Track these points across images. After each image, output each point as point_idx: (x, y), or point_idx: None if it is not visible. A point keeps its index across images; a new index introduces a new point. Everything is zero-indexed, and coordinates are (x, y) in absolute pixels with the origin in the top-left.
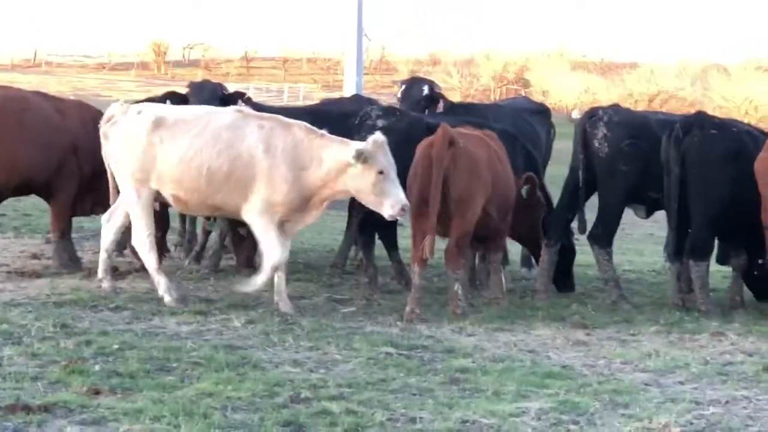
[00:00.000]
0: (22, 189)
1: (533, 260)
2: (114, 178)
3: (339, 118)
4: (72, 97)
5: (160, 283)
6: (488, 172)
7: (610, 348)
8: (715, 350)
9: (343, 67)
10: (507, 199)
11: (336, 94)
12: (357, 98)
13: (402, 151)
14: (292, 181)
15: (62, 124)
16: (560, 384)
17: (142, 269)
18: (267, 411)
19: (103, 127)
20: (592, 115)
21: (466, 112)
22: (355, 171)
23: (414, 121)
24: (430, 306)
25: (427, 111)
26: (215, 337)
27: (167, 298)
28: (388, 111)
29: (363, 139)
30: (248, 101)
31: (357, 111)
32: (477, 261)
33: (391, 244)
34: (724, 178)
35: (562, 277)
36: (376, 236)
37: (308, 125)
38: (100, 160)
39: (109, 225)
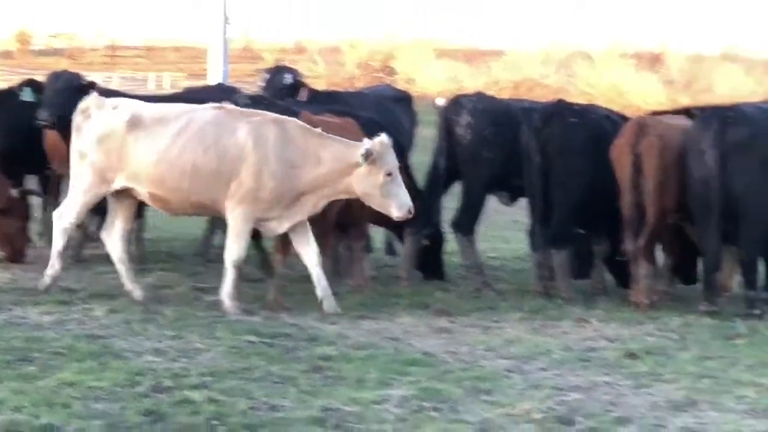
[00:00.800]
0: None
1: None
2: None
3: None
4: None
5: (54, 266)
6: None
7: (473, 335)
8: (578, 337)
9: (207, 56)
10: None
11: (201, 83)
12: (220, 87)
13: None
14: (281, 177)
15: None
16: (423, 371)
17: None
18: (128, 400)
19: (77, 119)
20: (456, 102)
21: (330, 100)
22: (362, 172)
23: (281, 111)
24: (293, 294)
25: (290, 99)
26: (77, 326)
27: (128, 287)
28: (256, 100)
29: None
30: (93, 86)
31: (220, 100)
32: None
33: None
34: (585, 166)
35: (430, 265)
36: None
37: (303, 123)
38: None
39: (112, 239)
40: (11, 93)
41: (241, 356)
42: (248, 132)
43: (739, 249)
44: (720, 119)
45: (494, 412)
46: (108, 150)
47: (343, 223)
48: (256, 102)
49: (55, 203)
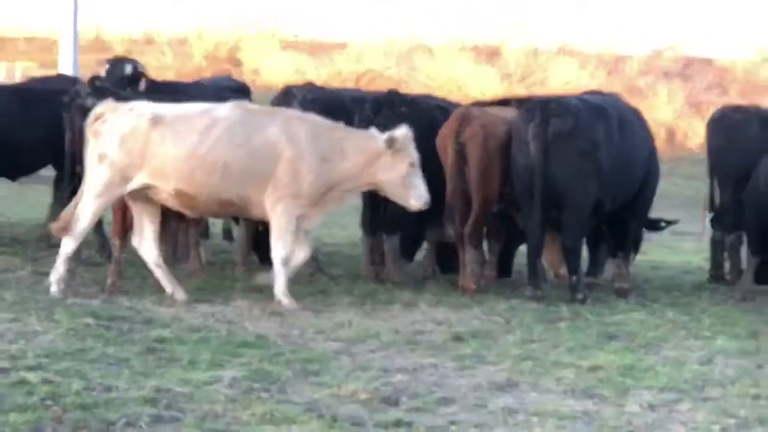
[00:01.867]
0: None
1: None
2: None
3: (47, 95)
4: None
5: (58, 269)
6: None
7: (305, 318)
8: (407, 320)
9: (59, 47)
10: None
11: (53, 73)
12: (62, 77)
13: None
14: (317, 171)
15: None
16: (254, 353)
17: None
18: None
19: (93, 126)
20: (287, 93)
21: (169, 91)
22: (386, 162)
23: (121, 100)
24: (132, 278)
25: (130, 89)
26: None
27: (54, 288)
28: (98, 90)
29: (71, 116)
30: None
31: (64, 90)
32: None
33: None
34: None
35: (267, 249)
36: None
37: (323, 118)
38: None
39: (145, 245)
40: None
41: (78, 338)
42: (280, 129)
43: (562, 236)
44: (543, 110)
45: (321, 393)
46: (130, 149)
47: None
48: (97, 92)
49: None
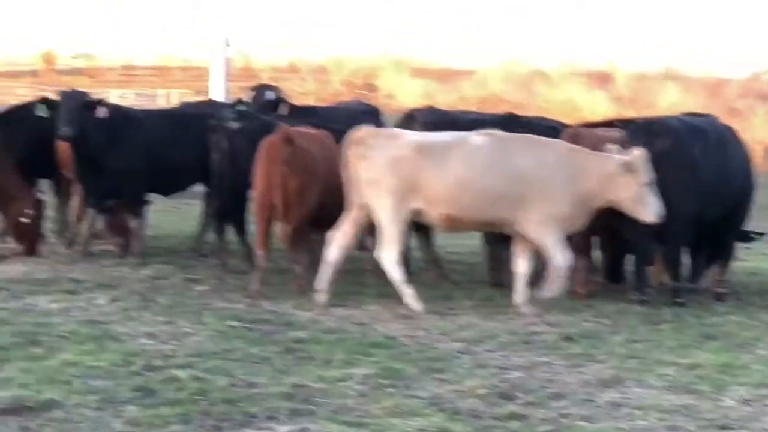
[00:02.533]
0: None
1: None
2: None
3: (196, 119)
4: None
5: (406, 293)
6: (323, 166)
7: (430, 320)
8: (522, 322)
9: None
10: (340, 190)
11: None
12: (212, 102)
13: (254, 150)
14: (566, 193)
15: None
16: (383, 352)
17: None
18: (122, 378)
19: (355, 150)
20: (410, 116)
21: (307, 114)
22: (622, 182)
23: (263, 123)
24: (274, 284)
25: (273, 114)
26: (81, 313)
27: (413, 306)
28: (241, 115)
29: (218, 138)
30: (100, 102)
31: (212, 113)
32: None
33: (240, 231)
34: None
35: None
36: (227, 224)
37: (565, 143)
38: None
39: (335, 245)
40: (28, 108)
41: (224, 339)
42: (531, 156)
43: (665, 246)
44: (646, 130)
45: (444, 388)
46: (402, 176)
47: (318, 221)
48: (240, 117)
49: (66, 203)
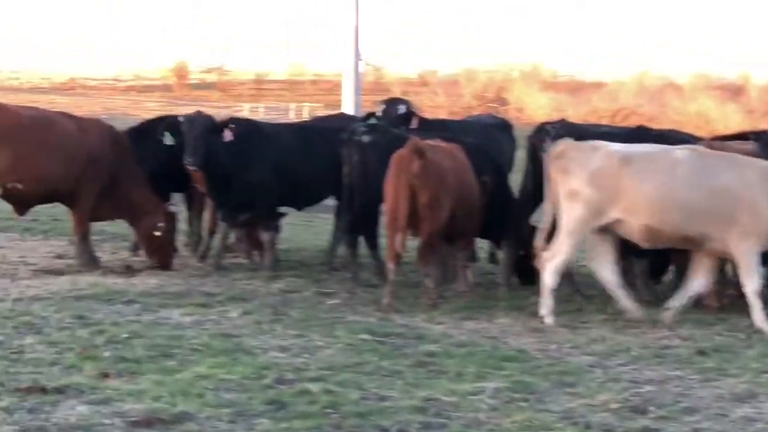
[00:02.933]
0: (48, 197)
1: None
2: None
3: (328, 133)
4: (104, 116)
5: (546, 304)
6: (454, 179)
7: (562, 334)
8: (654, 336)
9: (342, 88)
10: (472, 203)
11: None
12: (342, 116)
13: (385, 163)
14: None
15: (82, 139)
16: (515, 366)
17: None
18: (255, 391)
19: (559, 162)
20: (540, 129)
21: (438, 128)
22: None
23: (395, 137)
24: (405, 298)
25: (403, 127)
26: (213, 326)
27: (546, 318)
28: (373, 128)
29: (349, 151)
30: (226, 124)
31: (343, 127)
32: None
33: (372, 245)
34: None
35: (526, 272)
36: (359, 238)
37: (765, 161)
38: (116, 170)
39: (604, 270)
40: (160, 123)
41: (356, 352)
42: (735, 174)
43: None
44: None
45: (576, 402)
46: (603, 186)
47: (450, 236)
48: (372, 130)
49: (198, 216)
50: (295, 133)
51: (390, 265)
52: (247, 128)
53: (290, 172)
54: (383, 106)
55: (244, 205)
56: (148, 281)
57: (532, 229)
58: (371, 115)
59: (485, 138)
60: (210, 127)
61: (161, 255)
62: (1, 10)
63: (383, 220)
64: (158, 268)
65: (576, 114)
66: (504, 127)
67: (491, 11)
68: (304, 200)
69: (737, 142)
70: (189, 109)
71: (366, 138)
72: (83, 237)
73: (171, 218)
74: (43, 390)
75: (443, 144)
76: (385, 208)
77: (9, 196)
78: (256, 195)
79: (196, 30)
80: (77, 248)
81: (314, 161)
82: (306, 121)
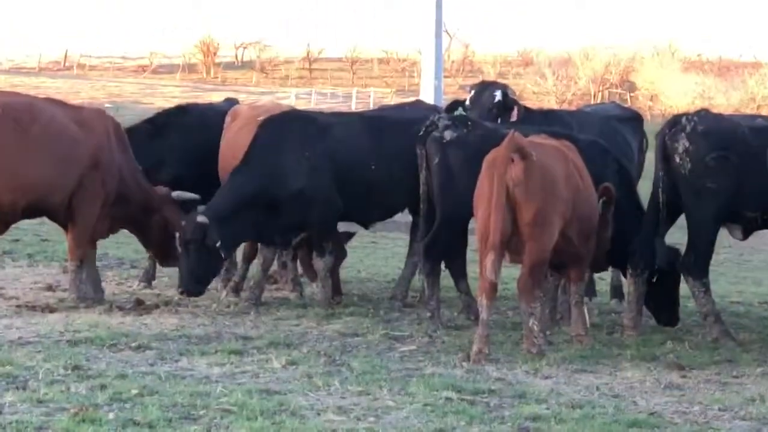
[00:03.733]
0: (34, 211)
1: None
2: None
3: (400, 126)
4: (108, 105)
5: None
6: (567, 188)
7: (707, 392)
8: None
9: (419, 69)
10: (589, 220)
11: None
12: (418, 104)
13: (475, 166)
14: None
15: (81, 136)
16: None
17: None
18: None
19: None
20: (673, 124)
21: (545, 121)
22: None
23: (488, 133)
24: (502, 344)
25: (499, 120)
26: (250, 380)
27: None
28: (458, 121)
29: (427, 151)
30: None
31: (421, 119)
32: (558, 292)
33: (459, 273)
34: None
35: (663, 308)
36: (442, 264)
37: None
38: (123, 176)
39: None
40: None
41: (437, 415)
42: None
43: None
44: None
45: None
46: None
47: (561, 263)
48: (456, 124)
49: None
50: (359, 126)
51: (483, 301)
52: (297, 120)
53: (354, 176)
54: (473, 93)
55: (293, 221)
56: (165, 321)
57: (675, 254)
58: (457, 103)
59: (606, 134)
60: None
61: (168, 250)
62: None
63: (474, 241)
64: (166, 264)
65: (727, 102)
66: (633, 119)
67: None
68: (372, 214)
69: None
70: (218, 96)
71: (449, 134)
72: (81, 263)
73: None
74: None
75: (552, 142)
76: (475, 225)
77: None
78: (309, 209)
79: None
80: (72, 277)
81: (384, 164)
82: (373, 110)
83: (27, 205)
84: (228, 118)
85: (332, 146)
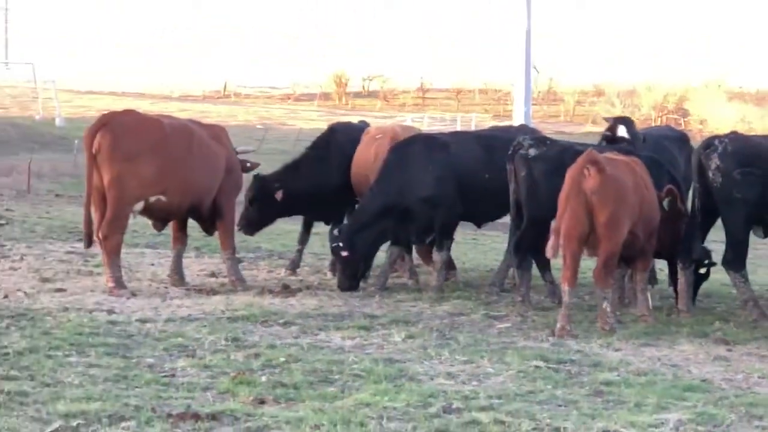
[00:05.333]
0: (194, 210)
1: None
2: None
3: (506, 144)
4: (259, 126)
5: None
6: (634, 196)
7: (749, 363)
8: None
9: (512, 98)
10: (652, 221)
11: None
12: (523, 127)
13: (554, 177)
14: None
15: (218, 148)
16: (699, 397)
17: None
18: (420, 420)
19: None
20: (708, 145)
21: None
22: None
23: (563, 149)
24: (580, 322)
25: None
26: (376, 350)
27: None
28: (539, 141)
29: (515, 166)
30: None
31: (514, 137)
32: (625, 280)
33: (544, 265)
34: None
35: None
36: (530, 258)
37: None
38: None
39: None
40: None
41: (528, 380)
42: None
43: None
44: None
45: None
46: None
47: (628, 256)
48: (537, 143)
49: None
50: (476, 142)
51: (565, 287)
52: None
53: (472, 184)
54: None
55: (424, 225)
56: (307, 302)
57: (705, 252)
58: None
59: (659, 151)
60: None
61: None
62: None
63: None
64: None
65: (763, 126)
66: (681, 140)
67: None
68: (484, 216)
69: None
70: (350, 119)
71: (532, 151)
72: (234, 251)
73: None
74: (196, 417)
75: (623, 157)
76: (562, 225)
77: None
78: (437, 212)
79: (355, 38)
80: (229, 265)
81: (495, 174)
82: (485, 130)
83: (191, 206)
84: (363, 137)
85: (453, 160)
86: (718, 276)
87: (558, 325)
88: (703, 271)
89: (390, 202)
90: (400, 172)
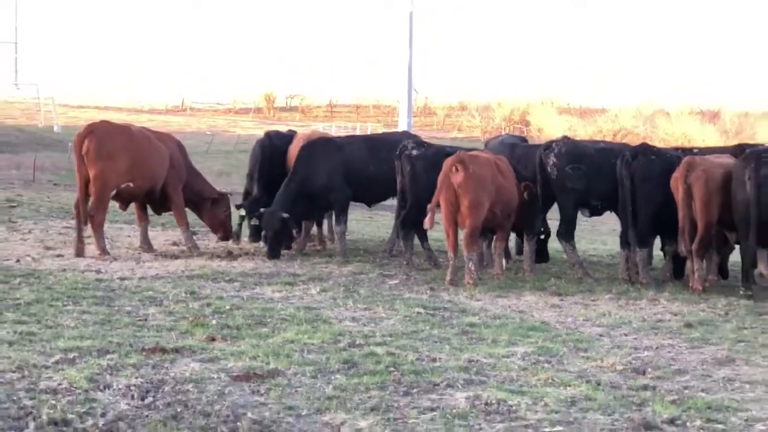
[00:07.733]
0: (149, 194)
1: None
2: None
3: (389, 144)
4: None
5: None
6: (492, 185)
7: (576, 309)
8: (651, 311)
9: (398, 112)
10: (509, 203)
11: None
12: (405, 133)
13: (431, 171)
14: None
15: (164, 149)
16: (539, 335)
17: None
18: (332, 353)
19: None
20: (547, 147)
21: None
22: None
23: (437, 150)
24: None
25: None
26: (298, 301)
27: None
28: (419, 144)
29: (400, 163)
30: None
31: (401, 141)
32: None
33: (422, 236)
34: (659, 189)
35: (540, 252)
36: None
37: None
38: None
39: None
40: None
41: (412, 323)
42: None
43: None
44: (757, 158)
45: (588, 364)
46: None
47: (489, 229)
48: (418, 145)
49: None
50: (366, 143)
51: (450, 253)
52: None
53: (364, 174)
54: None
55: (324, 204)
56: (246, 264)
57: (545, 226)
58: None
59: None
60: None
61: (224, 230)
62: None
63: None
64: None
65: (585, 133)
66: (521, 144)
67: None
68: (374, 198)
69: (715, 155)
70: (277, 127)
71: (414, 152)
72: (187, 227)
73: (227, 200)
74: (163, 350)
75: (487, 155)
76: (443, 210)
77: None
78: (332, 195)
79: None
80: (186, 237)
81: (381, 167)
82: (375, 134)
83: (149, 189)
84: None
85: (346, 157)
86: (554, 245)
87: (447, 278)
88: (542, 237)
89: (300, 188)
90: (305, 165)
